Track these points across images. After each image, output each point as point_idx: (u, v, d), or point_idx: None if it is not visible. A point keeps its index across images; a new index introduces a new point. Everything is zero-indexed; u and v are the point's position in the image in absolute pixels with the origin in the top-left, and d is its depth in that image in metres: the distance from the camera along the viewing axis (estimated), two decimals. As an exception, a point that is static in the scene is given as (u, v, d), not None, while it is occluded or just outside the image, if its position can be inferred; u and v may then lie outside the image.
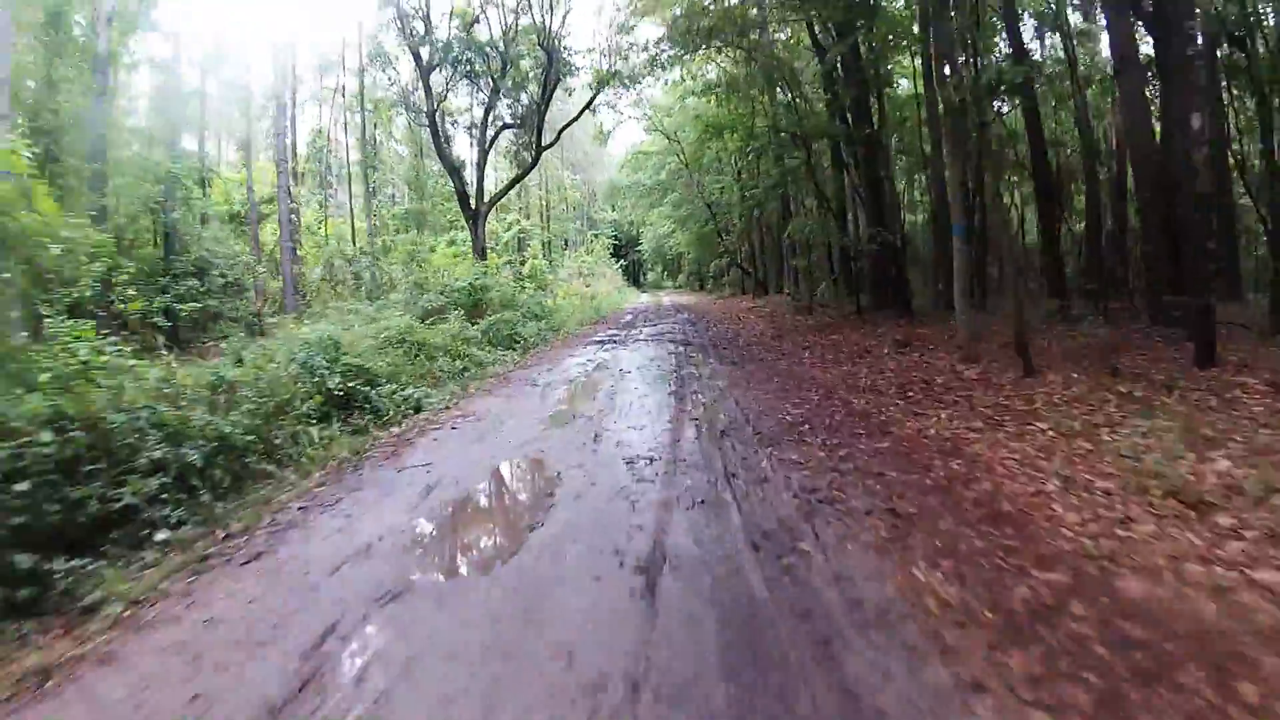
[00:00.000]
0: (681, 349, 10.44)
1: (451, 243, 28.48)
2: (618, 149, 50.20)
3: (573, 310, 20.39)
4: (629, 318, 19.01)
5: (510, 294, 13.51)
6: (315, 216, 30.03)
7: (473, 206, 19.70)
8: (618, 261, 52.47)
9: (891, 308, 11.62)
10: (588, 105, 19.94)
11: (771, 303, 20.20)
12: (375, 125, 30.17)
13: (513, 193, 40.20)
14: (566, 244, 49.29)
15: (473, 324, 11.15)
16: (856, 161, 11.83)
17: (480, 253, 19.20)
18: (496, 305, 12.91)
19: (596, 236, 51.72)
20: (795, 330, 11.97)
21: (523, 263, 33.81)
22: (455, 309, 11.32)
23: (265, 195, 22.48)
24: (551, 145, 20.79)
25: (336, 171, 30.75)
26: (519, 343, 11.20)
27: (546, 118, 21.01)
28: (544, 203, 44.24)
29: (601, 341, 11.79)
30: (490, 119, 20.43)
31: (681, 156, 25.41)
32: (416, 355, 8.37)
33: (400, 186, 34.54)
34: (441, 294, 11.86)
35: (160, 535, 3.37)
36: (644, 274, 62.43)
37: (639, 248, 53.21)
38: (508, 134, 21.73)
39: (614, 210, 55.35)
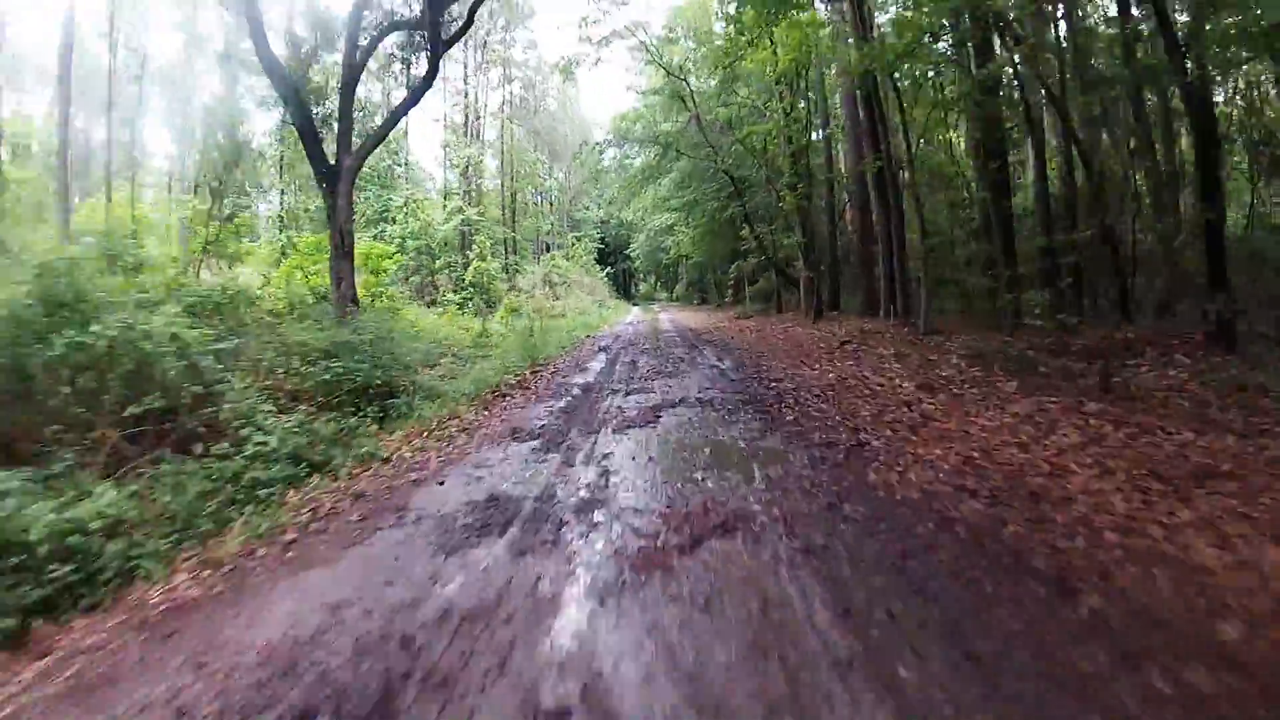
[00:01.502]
0: None
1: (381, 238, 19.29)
2: (602, 119, 41.11)
3: (499, 344, 11.33)
4: (599, 365, 9.82)
5: (188, 342, 4.34)
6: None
7: (331, 161, 10.68)
8: (604, 269, 43.44)
9: None
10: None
11: (854, 330, 11.06)
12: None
13: (457, 174, 31.10)
14: (549, 248, 40.01)
15: None
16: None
17: (339, 236, 10.17)
18: (151, 378, 3.83)
19: (579, 239, 42.61)
20: None
21: (465, 266, 24.83)
22: None
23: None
24: (458, 38, 11.66)
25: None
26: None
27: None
28: (508, 191, 34.91)
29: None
30: (364, 18, 11.46)
31: (690, 102, 16.55)
32: None
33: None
34: None
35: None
36: (635, 285, 53.62)
37: (628, 253, 44.11)
38: (394, 46, 12.66)
39: (599, 208, 46.34)
